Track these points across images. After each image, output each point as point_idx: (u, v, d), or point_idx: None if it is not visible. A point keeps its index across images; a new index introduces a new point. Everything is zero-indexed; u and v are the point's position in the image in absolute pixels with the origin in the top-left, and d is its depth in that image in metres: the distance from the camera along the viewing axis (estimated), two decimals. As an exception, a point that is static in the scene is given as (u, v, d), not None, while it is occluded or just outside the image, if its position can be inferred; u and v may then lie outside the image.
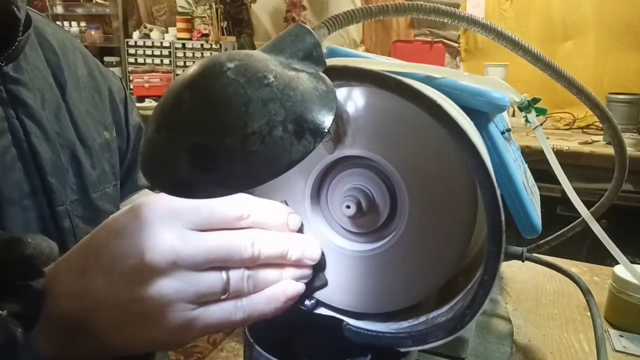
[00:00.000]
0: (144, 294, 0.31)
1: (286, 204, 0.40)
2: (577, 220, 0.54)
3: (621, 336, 0.61)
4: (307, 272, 0.39)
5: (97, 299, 0.32)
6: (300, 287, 0.38)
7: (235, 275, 0.34)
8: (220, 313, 0.34)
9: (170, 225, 0.32)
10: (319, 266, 0.40)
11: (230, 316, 0.34)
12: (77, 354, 0.34)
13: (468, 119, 0.35)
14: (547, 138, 0.47)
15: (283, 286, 0.37)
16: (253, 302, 0.35)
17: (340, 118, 0.38)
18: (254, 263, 0.35)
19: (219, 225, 0.34)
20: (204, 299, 0.33)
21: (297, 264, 0.38)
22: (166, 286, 0.31)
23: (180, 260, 0.32)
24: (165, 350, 0.57)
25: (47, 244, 0.35)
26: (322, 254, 0.40)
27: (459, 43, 2.70)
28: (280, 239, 0.37)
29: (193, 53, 3.11)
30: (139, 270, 0.31)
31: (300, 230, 0.40)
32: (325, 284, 0.41)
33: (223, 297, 0.34)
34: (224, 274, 0.34)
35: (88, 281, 0.32)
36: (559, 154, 1.62)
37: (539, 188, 0.52)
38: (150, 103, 2.79)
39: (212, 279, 0.33)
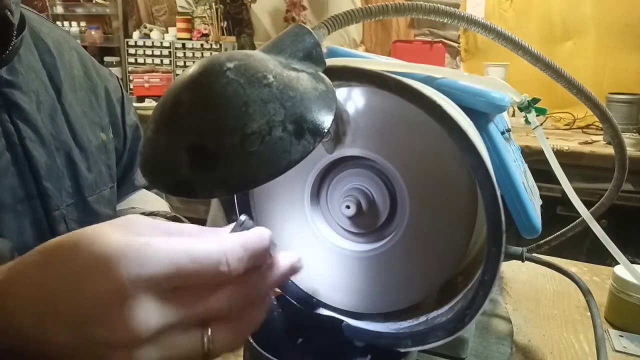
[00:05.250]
0: None
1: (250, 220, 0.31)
2: (577, 220, 0.54)
3: (621, 336, 0.61)
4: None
5: None
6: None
7: None
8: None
9: None
10: None
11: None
12: None
13: (468, 119, 0.35)
14: (547, 138, 0.47)
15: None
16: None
17: (340, 118, 0.38)
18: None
19: None
20: None
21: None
22: None
23: None
24: None
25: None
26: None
27: (459, 43, 2.69)
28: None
29: (193, 53, 3.11)
30: None
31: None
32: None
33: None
34: None
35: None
36: (559, 154, 1.61)
37: (539, 188, 0.52)
38: (150, 103, 2.78)
39: None
